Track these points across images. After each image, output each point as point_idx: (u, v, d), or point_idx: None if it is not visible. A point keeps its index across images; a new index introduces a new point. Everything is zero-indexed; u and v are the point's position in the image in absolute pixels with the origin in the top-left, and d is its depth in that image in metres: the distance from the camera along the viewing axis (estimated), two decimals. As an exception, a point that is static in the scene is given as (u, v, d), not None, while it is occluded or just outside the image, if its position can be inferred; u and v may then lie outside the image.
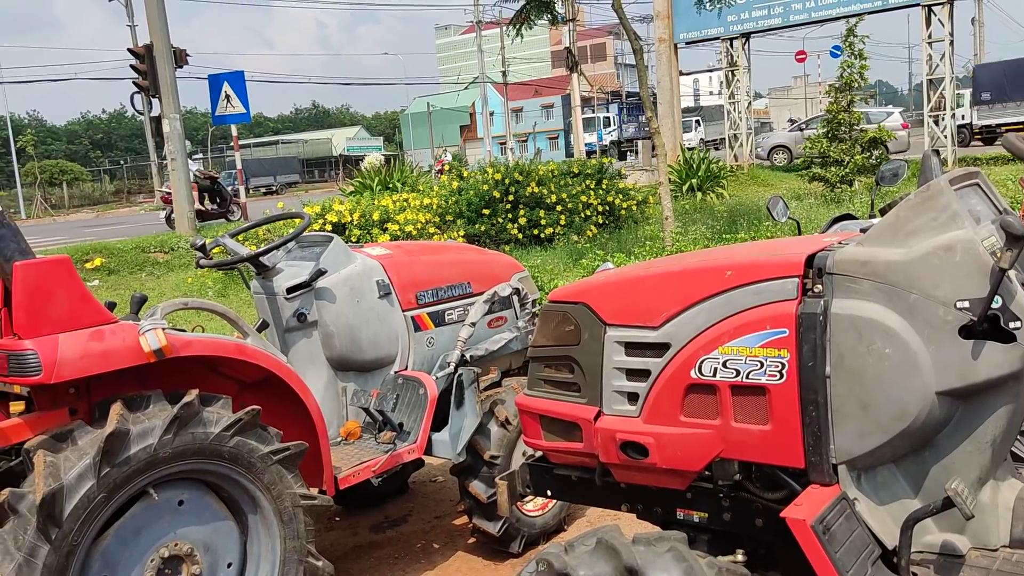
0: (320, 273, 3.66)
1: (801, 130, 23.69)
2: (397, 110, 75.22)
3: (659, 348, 2.39)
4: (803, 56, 53.09)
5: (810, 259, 2.11)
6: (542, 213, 13.19)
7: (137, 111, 35.23)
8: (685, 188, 17.33)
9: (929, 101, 17.54)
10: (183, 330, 3.01)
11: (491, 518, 3.83)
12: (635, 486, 2.61)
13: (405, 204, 12.88)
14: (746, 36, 21.10)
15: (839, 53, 52.38)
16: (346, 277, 3.76)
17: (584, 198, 13.75)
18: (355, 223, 11.70)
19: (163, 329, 2.82)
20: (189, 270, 13.01)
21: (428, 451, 3.74)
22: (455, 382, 3.74)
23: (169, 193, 19.85)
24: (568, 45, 23.25)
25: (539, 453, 3.02)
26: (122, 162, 56.74)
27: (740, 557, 2.30)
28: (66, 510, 2.56)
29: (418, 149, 55.54)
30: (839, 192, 15.28)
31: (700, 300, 2.30)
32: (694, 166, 17.43)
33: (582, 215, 13.56)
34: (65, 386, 2.79)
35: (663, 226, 11.73)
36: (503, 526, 3.84)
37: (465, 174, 14.78)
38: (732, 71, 21.33)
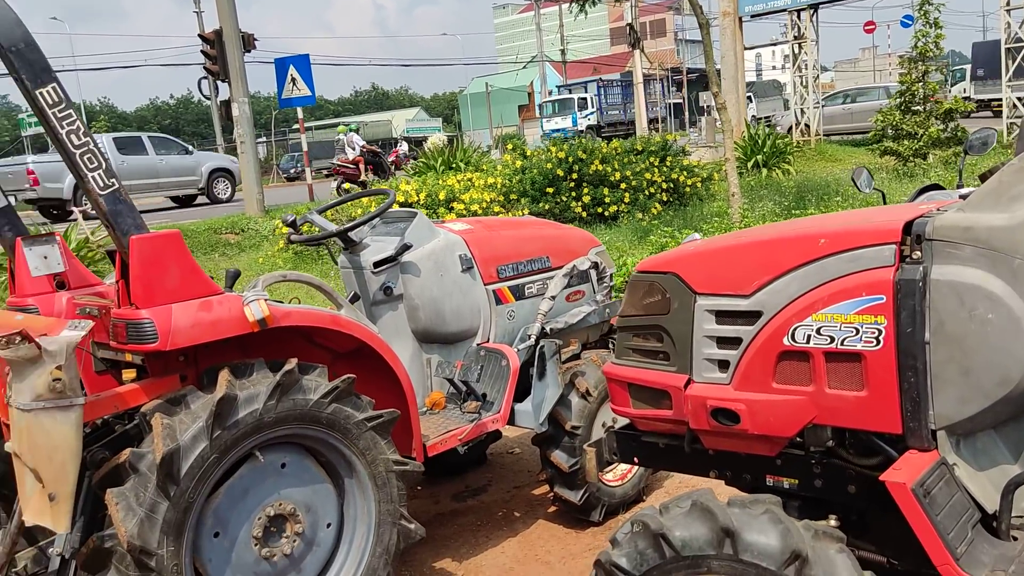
0: (405, 247, 3.77)
1: (819, 106, 23.31)
2: (455, 91, 75.38)
3: (751, 316, 2.43)
4: (872, 27, 51.59)
5: (907, 226, 2.12)
6: (606, 191, 13.18)
7: (204, 96, 35.99)
8: (750, 164, 17.09)
9: (1008, 71, 16.95)
10: (280, 302, 3.14)
11: (573, 487, 3.92)
12: (724, 453, 2.66)
13: (469, 184, 13.01)
14: (814, 7, 20.61)
15: (911, 23, 50.56)
16: (430, 251, 3.86)
17: (648, 175, 13.69)
18: (421, 203, 11.85)
19: (265, 300, 2.96)
20: (260, 250, 13.33)
21: (511, 421, 3.83)
22: (536, 354, 3.82)
23: (340, 165, 20.48)
24: (630, 21, 23.03)
25: (625, 421, 3.10)
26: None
27: (833, 522, 2.34)
28: (183, 469, 2.72)
29: (477, 129, 55.67)
30: (912, 166, 14.91)
31: (793, 268, 2.33)
32: (759, 142, 17.16)
33: (646, 192, 13.51)
34: (176, 354, 2.95)
35: (730, 203, 11.62)
36: (584, 495, 3.92)
37: (528, 153, 14.83)
38: (799, 44, 20.87)
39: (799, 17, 20.46)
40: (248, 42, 16.75)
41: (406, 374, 3.42)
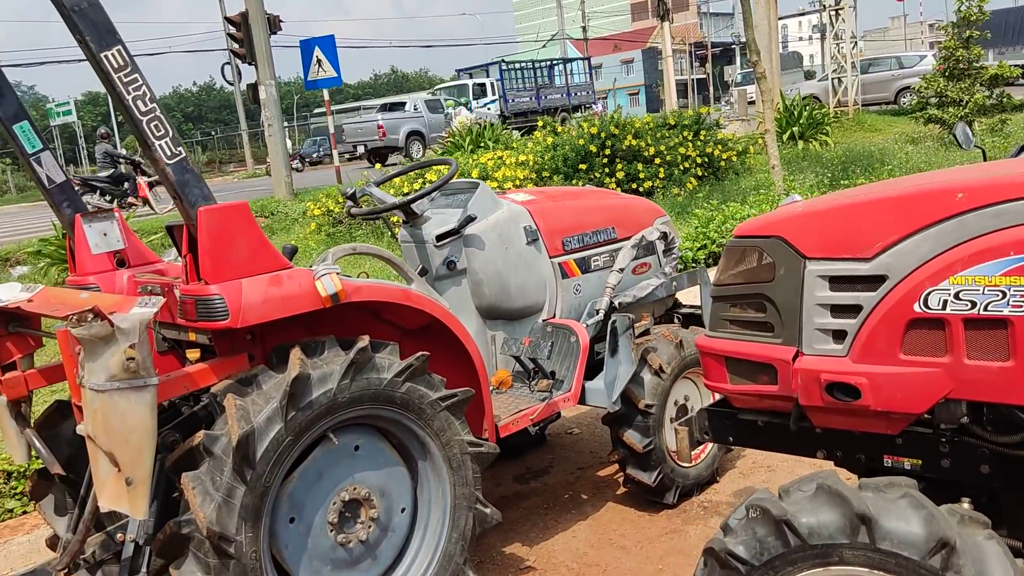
0: (469, 219, 3.62)
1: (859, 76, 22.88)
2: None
3: (873, 281, 2.25)
4: (901, -5, 50.60)
5: None
6: (640, 166, 12.97)
7: (228, 82, 35.87)
8: (786, 136, 16.75)
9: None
10: (348, 276, 3.01)
11: (646, 468, 3.77)
12: (834, 431, 2.50)
13: (500, 162, 12.84)
14: (850, -26, 20.17)
15: (943, -10, 49.25)
16: (494, 223, 3.71)
17: (682, 150, 13.45)
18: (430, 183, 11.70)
19: (337, 274, 2.82)
20: (291, 233, 13.24)
21: (581, 400, 3.69)
22: (609, 329, 3.66)
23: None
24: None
25: (718, 397, 2.94)
26: (213, 133, 58.19)
27: (967, 505, 2.17)
28: (258, 452, 2.60)
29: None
30: (955, 135, 14.52)
31: (924, 227, 2.15)
32: (795, 113, 16.81)
33: (681, 167, 13.28)
34: (244, 331, 2.82)
35: (771, 175, 11.37)
36: (659, 476, 3.78)
37: (560, 130, 14.62)
38: (837, 11, 20.41)
39: (835, -16, 20.03)
40: (274, 24, 16.64)
41: (478, 352, 3.28)
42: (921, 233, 2.13)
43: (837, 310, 2.33)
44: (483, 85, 34.30)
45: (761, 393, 2.55)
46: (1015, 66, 17.20)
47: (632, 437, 3.73)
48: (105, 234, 3.29)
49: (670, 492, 3.86)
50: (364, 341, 2.86)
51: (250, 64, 16.80)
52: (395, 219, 3.92)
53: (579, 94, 36.38)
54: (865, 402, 2.25)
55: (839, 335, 2.33)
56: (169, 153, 2.59)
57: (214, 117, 70.97)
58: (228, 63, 34.77)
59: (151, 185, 17.47)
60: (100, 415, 2.41)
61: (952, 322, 2.06)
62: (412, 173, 10.92)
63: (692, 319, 4.36)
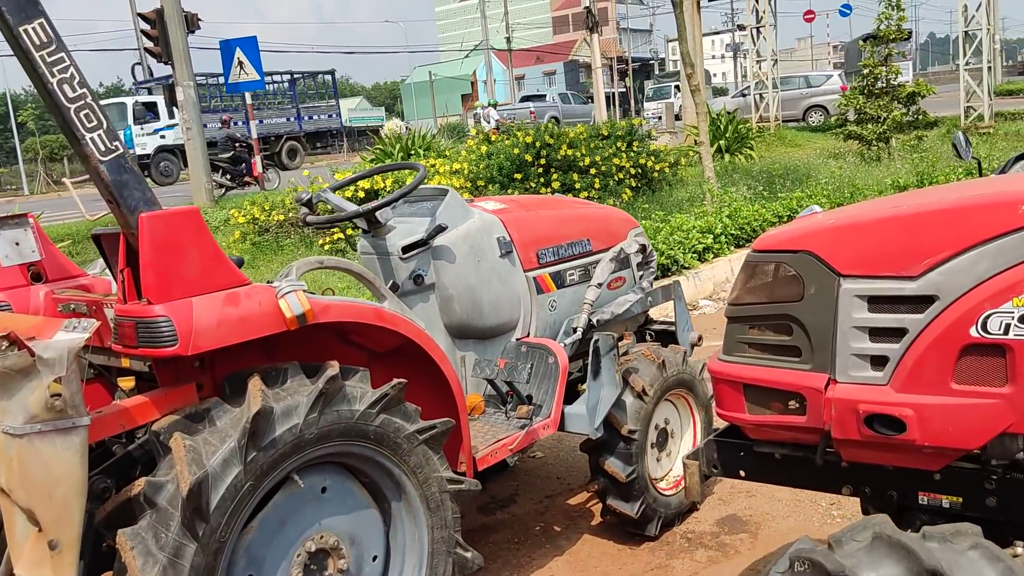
0: (439, 229, 3.27)
1: (744, 95, 23.71)
2: (397, 80, 74.14)
3: (920, 302, 2.02)
4: (811, 16, 52.27)
5: None
6: (575, 176, 12.77)
7: (139, 82, 34.43)
8: (713, 149, 16.85)
9: (964, 54, 17.02)
10: (313, 293, 2.63)
11: (628, 498, 3.48)
12: (864, 466, 2.26)
13: (434, 170, 12.48)
14: (772, -9, 20.51)
15: (848, 12, 50.87)
16: (465, 234, 3.37)
17: (617, 161, 13.34)
18: (388, 189, 11.30)
19: (304, 291, 2.45)
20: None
21: (560, 427, 3.37)
22: (591, 349, 3.36)
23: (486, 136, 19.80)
24: (587, 5, 22.58)
25: (722, 425, 2.67)
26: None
27: (1020, 550, 1.94)
28: (212, 502, 2.20)
29: (420, 119, 54.82)
30: (877, 150, 14.83)
31: (981, 242, 1.93)
32: (722, 127, 16.93)
33: (616, 178, 13.15)
34: (191, 358, 2.41)
35: (704, 187, 11.34)
36: (641, 506, 3.49)
37: (493, 138, 14.35)
38: (758, 29, 20.72)
39: (758, 1, 20.31)
40: (192, 22, 15.90)
41: (455, 377, 2.94)
42: (977, 249, 1.91)
43: (877, 333, 2.08)
44: (154, 104, 25.63)
45: (786, 424, 2.28)
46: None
47: (614, 466, 3.44)
48: (17, 243, 2.83)
49: (652, 523, 3.58)
50: (333, 368, 2.48)
51: (166, 63, 16.04)
52: (350, 230, 3.55)
53: (316, 118, 30.91)
54: (910, 436, 2.01)
55: (879, 361, 2.09)
56: (103, 148, 2.18)
57: (123, 121, 68.29)
58: (139, 63, 33.45)
59: (265, 167, 17.97)
60: (16, 464, 1.99)
61: (1016, 348, 1.83)
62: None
63: (665, 336, 4.10)
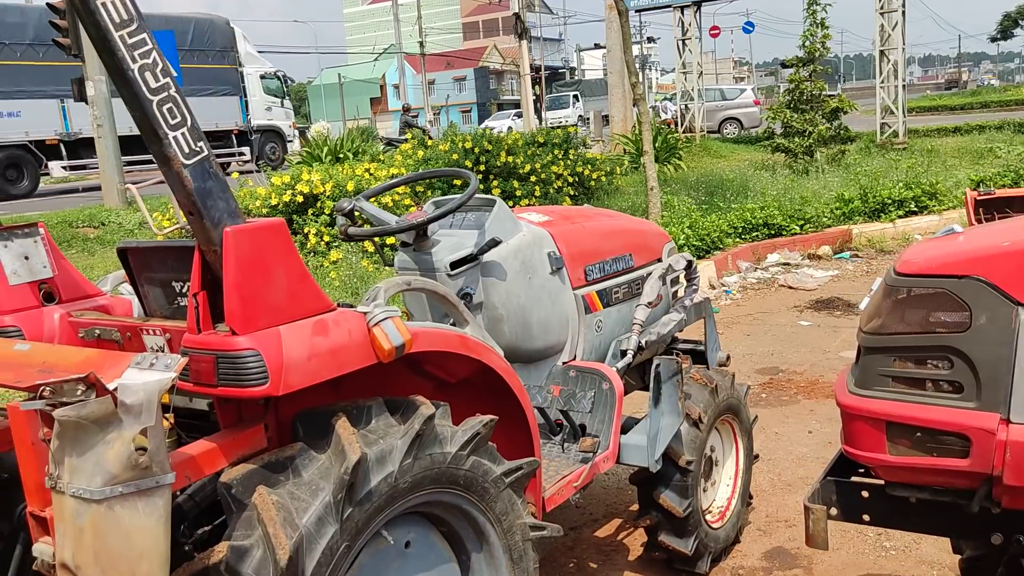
0: (493, 244, 2.98)
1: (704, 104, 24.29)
2: (304, 81, 72.42)
3: None
4: (716, 31, 53.67)
5: None
6: (516, 183, 12.57)
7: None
8: (642, 160, 16.93)
9: (881, 72, 17.64)
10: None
11: (683, 534, 3.26)
12: (1021, 513, 2.09)
13: (370, 175, 12.06)
14: (697, 4, 20.78)
15: (751, 29, 52.49)
16: (516, 249, 3.08)
17: (555, 168, 13.22)
18: (328, 194, 10.83)
19: (400, 318, 2.12)
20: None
21: (617, 458, 3.12)
22: (652, 375, 3.13)
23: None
24: (517, 11, 22.43)
25: (833, 464, 2.47)
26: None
27: None
28: (308, 569, 1.86)
29: (330, 121, 53.69)
30: (804, 163, 15.16)
31: None
32: (652, 137, 17.02)
33: (555, 185, 13.03)
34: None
35: (648, 196, 11.30)
36: (695, 543, 3.27)
37: (429, 143, 14.00)
38: (684, 41, 21.00)
39: (684, 13, 20.58)
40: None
41: (532, 410, 2.65)
42: None
43: None
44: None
45: (940, 468, 2.09)
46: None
47: (670, 499, 3.20)
48: (26, 257, 2.40)
49: (703, 559, 3.36)
50: (427, 407, 2.17)
51: (75, 56, 15.07)
52: (378, 241, 3.21)
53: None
54: None
55: None
56: (187, 150, 1.82)
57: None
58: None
59: None
60: (90, 536, 1.61)
61: None
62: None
63: (694, 356, 3.90)
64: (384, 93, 65.53)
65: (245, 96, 23.98)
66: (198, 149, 1.83)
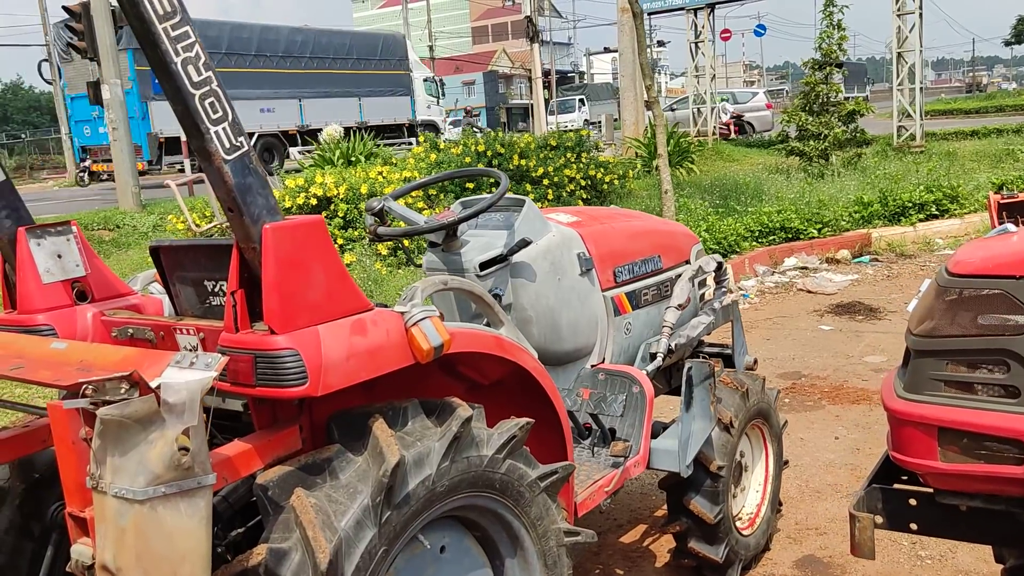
0: (523, 244, 2.94)
1: (673, 110, 24.42)
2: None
3: None
4: (728, 35, 53.55)
5: None
6: (528, 187, 12.54)
7: (46, 80, 32.70)
8: (654, 163, 16.89)
9: (898, 75, 17.55)
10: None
11: (713, 541, 3.22)
12: None
13: (383, 178, 12.05)
14: (711, 6, 20.73)
15: (763, 32, 52.28)
16: (546, 249, 3.05)
17: (567, 172, 13.19)
18: (341, 197, 10.84)
19: (440, 318, 2.09)
20: (143, 249, 11.84)
21: (648, 463, 3.08)
22: (684, 378, 3.09)
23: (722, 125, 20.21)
24: (529, 14, 22.42)
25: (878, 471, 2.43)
26: (23, 136, 52.94)
27: None
28: (348, 573, 1.83)
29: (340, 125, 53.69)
30: (819, 166, 15.09)
31: None
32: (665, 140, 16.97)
33: (567, 189, 12.99)
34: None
35: (663, 200, 11.26)
36: (725, 550, 3.23)
37: (441, 146, 14.00)
38: (696, 44, 20.95)
39: (697, 16, 20.53)
40: (120, 17, 15.04)
41: (566, 413, 2.62)
42: None
43: None
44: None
45: (995, 475, 2.05)
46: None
47: (701, 506, 3.16)
48: (59, 256, 2.38)
49: (734, 567, 3.32)
50: (465, 409, 2.14)
51: (92, 60, 15.16)
52: (407, 243, 3.18)
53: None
54: None
55: None
56: (228, 145, 1.79)
57: (22, 119, 64.53)
58: (47, 60, 31.65)
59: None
60: (132, 537, 1.58)
61: None
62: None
63: (721, 360, 3.85)
64: (395, 97, 65.55)
65: (413, 96, 28.54)
66: (239, 144, 1.81)
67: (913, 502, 2.27)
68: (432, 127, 28.88)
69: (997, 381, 2.01)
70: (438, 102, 31.52)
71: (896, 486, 2.32)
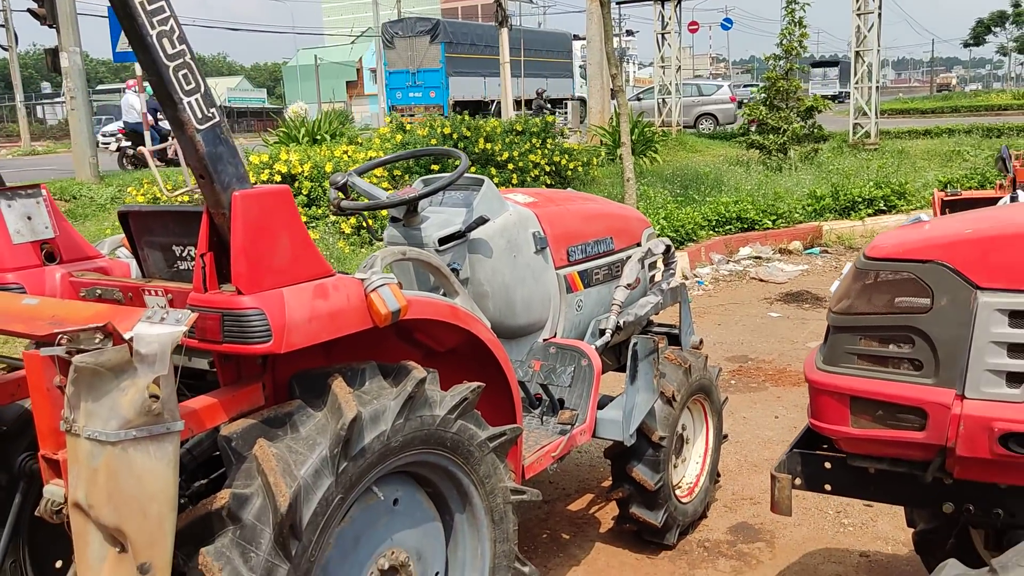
0: (481, 221, 3.08)
1: (639, 100, 24.84)
2: (279, 62, 71.74)
3: None
4: (695, 27, 53.95)
5: None
6: (493, 171, 12.65)
7: (1, 47, 31.95)
8: (618, 151, 17.07)
9: (856, 73, 17.93)
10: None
11: (653, 507, 3.40)
12: (973, 484, 2.24)
13: (348, 157, 12.09)
14: (678, -1, 20.96)
15: (729, 26, 52.55)
16: (502, 227, 3.19)
17: (532, 157, 13.32)
18: (306, 175, 10.86)
19: (398, 285, 2.23)
20: (98, 221, 11.75)
21: (593, 432, 3.25)
22: (630, 353, 3.26)
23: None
24: (498, -1, 22.41)
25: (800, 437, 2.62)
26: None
27: None
28: (305, 517, 1.97)
29: (305, 103, 53.21)
30: (777, 160, 15.40)
31: None
32: (629, 129, 17.16)
33: (532, 174, 13.12)
34: (256, 355, 2.16)
35: (625, 188, 11.45)
36: (664, 515, 3.42)
37: (408, 127, 14.04)
38: (663, 35, 21.16)
39: (664, 7, 20.72)
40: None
41: (516, 381, 2.77)
42: None
43: (1017, 349, 2.06)
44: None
45: (898, 439, 2.24)
46: (823, 96, 18.63)
47: (643, 473, 3.34)
48: (29, 217, 2.46)
49: (672, 532, 3.51)
50: (419, 371, 2.28)
51: (51, 27, 14.90)
52: (372, 221, 3.30)
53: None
54: None
55: (1016, 378, 2.06)
56: (200, 115, 1.90)
57: (-27, 86, 62.94)
58: (3, 25, 30.95)
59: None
60: (104, 476, 1.70)
61: None
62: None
63: (670, 339, 4.04)
64: (361, 77, 64.98)
65: (573, 78, 38.15)
66: (211, 115, 1.92)
67: (828, 465, 2.46)
68: (582, 102, 31.65)
69: (903, 355, 2.20)
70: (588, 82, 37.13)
71: (808, 451, 2.51)
